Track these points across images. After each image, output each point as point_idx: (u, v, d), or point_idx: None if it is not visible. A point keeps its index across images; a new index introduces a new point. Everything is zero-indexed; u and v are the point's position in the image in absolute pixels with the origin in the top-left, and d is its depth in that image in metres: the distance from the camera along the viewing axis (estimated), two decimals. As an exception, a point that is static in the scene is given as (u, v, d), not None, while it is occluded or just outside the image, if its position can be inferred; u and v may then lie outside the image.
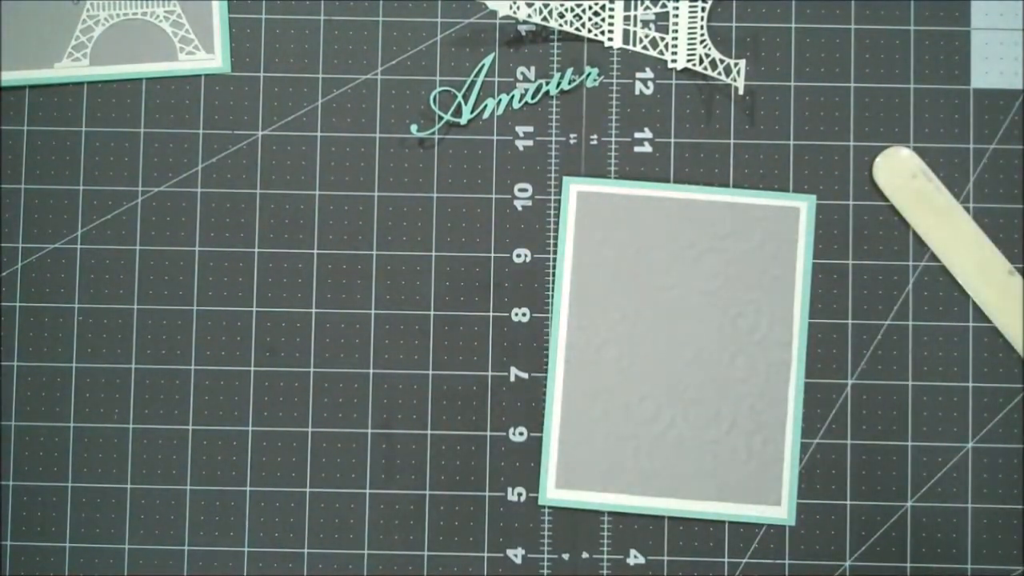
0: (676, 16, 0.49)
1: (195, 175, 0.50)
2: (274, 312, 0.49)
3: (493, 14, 0.49)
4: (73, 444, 0.49)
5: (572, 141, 0.49)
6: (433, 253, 0.49)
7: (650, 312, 0.48)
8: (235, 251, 0.49)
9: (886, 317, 0.49)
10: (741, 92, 0.49)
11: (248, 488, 0.49)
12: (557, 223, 0.49)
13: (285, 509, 0.49)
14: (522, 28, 0.50)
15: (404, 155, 0.50)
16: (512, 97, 0.49)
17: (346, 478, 0.49)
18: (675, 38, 0.49)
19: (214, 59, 0.50)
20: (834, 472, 0.48)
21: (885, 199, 0.49)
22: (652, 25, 0.49)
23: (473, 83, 0.49)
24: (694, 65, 0.49)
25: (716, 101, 0.49)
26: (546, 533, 0.48)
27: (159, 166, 0.50)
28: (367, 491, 0.49)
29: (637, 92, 0.50)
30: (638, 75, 0.50)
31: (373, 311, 0.49)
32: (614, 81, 0.50)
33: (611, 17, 0.49)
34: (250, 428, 0.49)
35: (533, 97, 0.49)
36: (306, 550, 0.48)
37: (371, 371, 0.49)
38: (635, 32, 0.49)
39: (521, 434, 0.49)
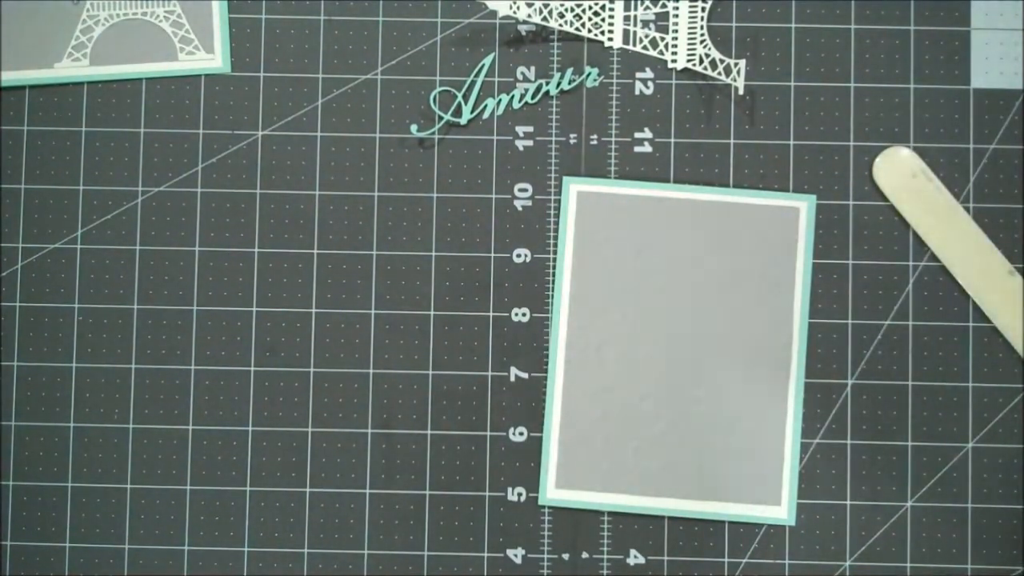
0: (676, 16, 0.49)
1: (195, 175, 0.50)
2: (274, 312, 0.49)
3: (493, 14, 0.49)
4: (73, 444, 0.49)
5: (572, 141, 0.49)
6: (433, 253, 0.49)
7: (650, 312, 0.48)
8: (235, 251, 0.49)
9: (886, 317, 0.49)
10: (741, 92, 0.49)
11: (248, 488, 0.49)
12: (557, 223, 0.49)
13: (285, 509, 0.49)
14: (522, 28, 0.50)
15: (404, 155, 0.50)
16: (512, 97, 0.49)
17: (346, 478, 0.49)
18: (675, 38, 0.49)
19: (214, 59, 0.50)
20: (834, 472, 0.48)
21: (885, 199, 0.49)
22: (652, 25, 0.49)
23: (473, 83, 0.49)
24: (694, 65, 0.49)
25: (716, 101, 0.49)
26: (546, 533, 0.48)
27: (159, 166, 0.50)
28: (367, 491, 0.49)
29: (637, 92, 0.50)
30: (638, 75, 0.50)
31: (373, 311, 0.49)
32: (614, 81, 0.50)
33: (611, 17, 0.49)
34: (250, 428, 0.49)
35: (533, 97, 0.49)
36: (306, 550, 0.48)
37: (371, 371, 0.49)
38: (635, 32, 0.49)
39: (521, 434, 0.49)
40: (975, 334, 0.48)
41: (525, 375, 0.49)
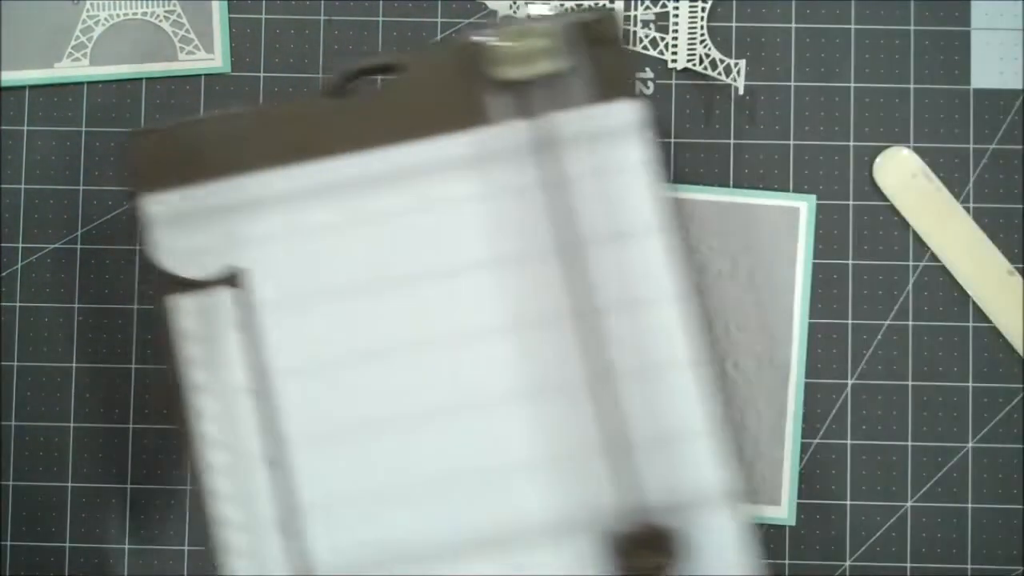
0: (676, 16, 0.49)
1: (195, 175, 0.50)
2: (274, 312, 0.49)
3: (493, 14, 0.49)
4: (73, 444, 0.49)
5: (572, 141, 0.49)
6: (433, 253, 0.49)
7: (650, 312, 0.48)
8: (235, 251, 0.49)
9: (886, 317, 0.49)
10: (741, 92, 0.49)
11: (248, 488, 0.49)
12: (557, 223, 0.49)
13: (285, 509, 0.49)
14: (522, 28, 0.50)
15: (404, 155, 0.49)
16: (512, 97, 0.49)
17: (346, 478, 0.49)
18: (675, 38, 0.49)
19: (214, 59, 0.50)
20: (834, 472, 0.48)
21: (885, 199, 0.49)
22: (652, 25, 0.49)
23: (473, 83, 0.49)
24: (694, 65, 0.49)
25: (716, 101, 0.49)
26: (546, 533, 0.48)
27: (159, 166, 0.50)
28: (367, 491, 0.49)
29: (637, 92, 0.49)
30: (638, 75, 0.50)
31: (373, 311, 0.49)
32: (614, 81, 0.49)
33: (611, 17, 0.49)
34: (250, 428, 0.49)
35: (533, 97, 0.49)
36: (306, 550, 0.48)
37: (371, 371, 0.49)
38: (635, 32, 0.49)
39: (521, 434, 0.49)
40: (975, 334, 0.48)
41: (525, 375, 0.49)
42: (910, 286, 0.49)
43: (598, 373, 0.37)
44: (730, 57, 0.49)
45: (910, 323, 0.49)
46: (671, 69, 0.49)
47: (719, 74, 0.49)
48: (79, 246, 0.49)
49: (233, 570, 0.37)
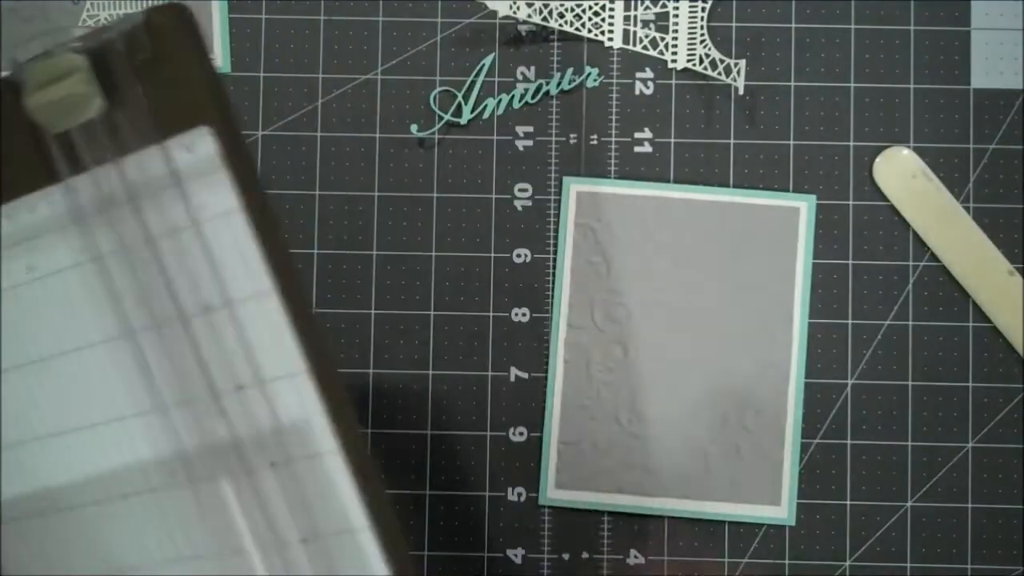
0: (676, 16, 0.49)
1: (195, 175, 0.50)
2: (274, 312, 0.49)
3: (493, 14, 0.49)
4: (73, 444, 0.49)
5: (572, 141, 0.49)
6: (433, 253, 0.49)
7: (649, 312, 0.48)
8: (235, 251, 0.49)
9: (886, 317, 0.49)
10: (741, 92, 0.49)
11: (248, 488, 0.49)
12: (557, 223, 0.49)
13: (285, 509, 0.49)
14: (522, 28, 0.50)
15: (404, 155, 0.50)
16: (512, 97, 0.49)
17: (346, 478, 0.49)
18: (675, 38, 0.49)
19: (214, 59, 0.50)
20: (834, 472, 0.48)
21: (885, 199, 0.49)
22: (652, 25, 0.49)
23: (473, 83, 0.49)
24: (694, 65, 0.49)
25: (716, 101, 0.49)
26: (546, 533, 0.48)
27: (159, 166, 0.50)
28: (367, 491, 0.49)
29: (637, 92, 0.50)
30: (638, 75, 0.50)
31: (373, 311, 0.49)
32: (614, 81, 0.50)
33: (611, 17, 0.49)
34: (250, 428, 0.49)
35: (533, 97, 0.49)
36: (306, 550, 0.48)
37: (371, 371, 0.49)
38: (635, 32, 0.49)
39: (521, 434, 0.49)
40: (975, 334, 0.48)
41: (525, 375, 0.49)
42: (910, 286, 0.49)
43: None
44: (730, 57, 0.49)
45: (910, 323, 0.49)
46: (671, 69, 0.49)
47: (719, 74, 0.49)
48: None
49: None
